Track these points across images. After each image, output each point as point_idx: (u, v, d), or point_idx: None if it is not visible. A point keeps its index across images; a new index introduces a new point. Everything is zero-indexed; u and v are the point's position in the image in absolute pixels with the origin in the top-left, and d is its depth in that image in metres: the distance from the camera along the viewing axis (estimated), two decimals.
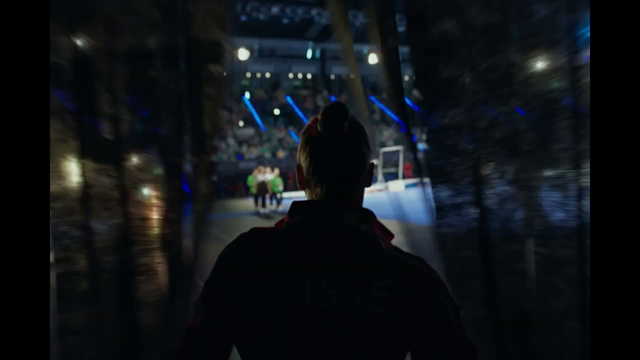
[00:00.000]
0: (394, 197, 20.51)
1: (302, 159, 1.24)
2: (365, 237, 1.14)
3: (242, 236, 1.23)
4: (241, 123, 38.21)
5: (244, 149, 34.61)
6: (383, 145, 37.15)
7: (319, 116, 1.21)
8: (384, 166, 32.39)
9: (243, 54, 41.21)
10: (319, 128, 1.20)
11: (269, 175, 20.65)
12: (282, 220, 1.23)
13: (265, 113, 41.22)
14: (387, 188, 28.68)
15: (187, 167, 2.19)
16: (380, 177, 30.05)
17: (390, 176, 32.24)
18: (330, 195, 1.20)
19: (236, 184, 31.70)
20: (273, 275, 1.12)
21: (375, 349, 1.08)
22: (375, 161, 1.30)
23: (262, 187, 20.32)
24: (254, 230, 1.23)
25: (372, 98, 46.75)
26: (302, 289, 1.10)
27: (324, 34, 43.57)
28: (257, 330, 1.11)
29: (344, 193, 1.20)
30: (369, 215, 1.20)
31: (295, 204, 1.21)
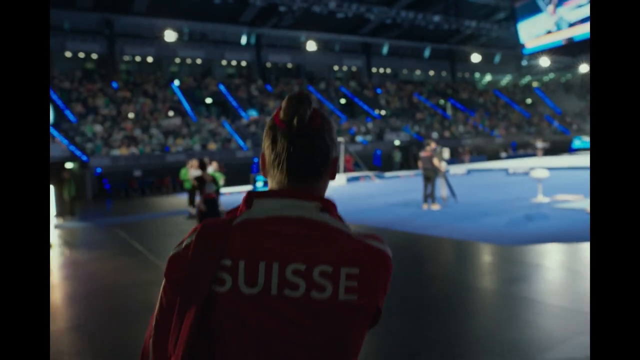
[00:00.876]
0: (336, 192, 18.59)
1: (265, 146, 1.24)
2: (329, 227, 1.14)
3: (196, 231, 1.17)
4: (171, 113, 35.27)
5: (170, 140, 31.72)
6: None
7: (282, 104, 1.21)
8: None
9: (170, 36, 38.43)
10: (281, 116, 1.20)
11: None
12: (235, 209, 1.22)
13: (196, 102, 38.49)
14: None
15: None
16: None
17: None
18: (292, 185, 1.20)
19: (163, 178, 29.02)
20: (236, 267, 1.11)
21: (343, 334, 1.10)
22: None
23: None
24: (207, 224, 1.17)
25: (310, 88, 44.88)
26: (267, 280, 1.09)
27: (259, 19, 41.31)
28: (222, 323, 1.09)
29: (306, 185, 1.20)
30: (329, 205, 1.20)
31: (252, 194, 1.22)
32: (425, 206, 14.22)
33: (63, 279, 8.53)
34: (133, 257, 10.07)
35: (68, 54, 38.63)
